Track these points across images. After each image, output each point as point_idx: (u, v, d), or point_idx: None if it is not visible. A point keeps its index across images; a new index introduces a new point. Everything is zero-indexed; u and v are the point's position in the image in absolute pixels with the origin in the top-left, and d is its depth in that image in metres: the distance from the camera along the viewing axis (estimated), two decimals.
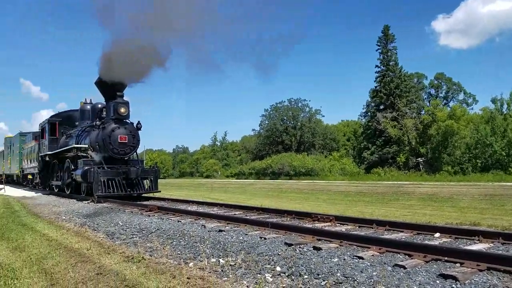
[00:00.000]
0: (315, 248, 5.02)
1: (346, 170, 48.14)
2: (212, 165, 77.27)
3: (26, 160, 23.87)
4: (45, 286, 4.09)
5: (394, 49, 48.51)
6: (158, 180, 14.89)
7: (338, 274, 4.00)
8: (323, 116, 69.34)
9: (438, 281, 3.63)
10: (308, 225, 7.09)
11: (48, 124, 18.31)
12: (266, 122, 69.42)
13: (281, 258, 4.66)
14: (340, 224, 7.20)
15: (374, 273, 3.90)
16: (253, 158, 68.13)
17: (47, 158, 18.41)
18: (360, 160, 49.96)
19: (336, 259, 4.48)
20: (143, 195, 14.36)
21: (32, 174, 22.59)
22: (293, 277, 4.07)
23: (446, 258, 4.27)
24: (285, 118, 67.42)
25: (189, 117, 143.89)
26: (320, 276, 4.02)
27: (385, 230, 6.48)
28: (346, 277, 3.90)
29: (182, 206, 11.06)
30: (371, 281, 3.72)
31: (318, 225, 7.13)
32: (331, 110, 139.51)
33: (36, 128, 23.10)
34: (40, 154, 19.51)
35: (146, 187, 14.17)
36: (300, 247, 5.11)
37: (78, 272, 4.58)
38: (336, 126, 71.78)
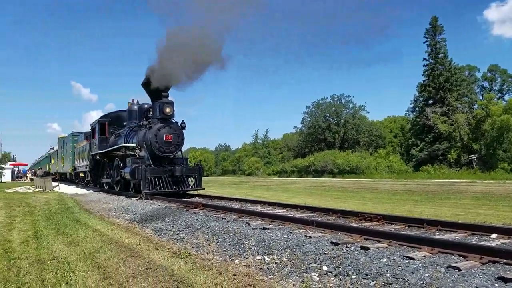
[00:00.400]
0: (362, 247, 4.88)
1: (393, 167, 46.67)
2: (254, 163, 77.65)
3: (78, 159, 24.99)
4: (98, 279, 4.26)
5: (443, 41, 46.28)
6: (202, 177, 15.17)
7: (388, 275, 3.87)
8: (368, 112, 67.42)
9: (497, 285, 3.41)
10: (355, 224, 6.91)
11: (98, 124, 19.12)
12: (308, 119, 68.69)
13: (327, 257, 4.58)
14: (389, 223, 6.97)
15: (426, 275, 3.73)
16: (295, 156, 67.74)
17: (98, 157, 19.26)
18: (408, 157, 48.22)
19: (385, 259, 4.34)
20: (188, 192, 14.67)
21: (84, 172, 23.62)
22: (340, 276, 3.98)
23: (505, 260, 4.00)
24: (327, 114, 66.37)
25: (234, 115, 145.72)
26: (368, 276, 3.91)
27: (437, 230, 6.19)
28: (396, 278, 3.77)
29: (226, 204, 11.18)
30: (423, 283, 3.56)
31: (365, 224, 6.94)
32: (376, 106, 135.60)
33: (86, 128, 24.27)
34: (91, 153, 20.41)
35: (191, 185, 14.46)
36: (347, 247, 4.98)
37: (128, 266, 4.73)
38: (382, 122, 69.59)
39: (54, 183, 23.84)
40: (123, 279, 4.24)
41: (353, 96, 75.41)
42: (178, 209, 10.00)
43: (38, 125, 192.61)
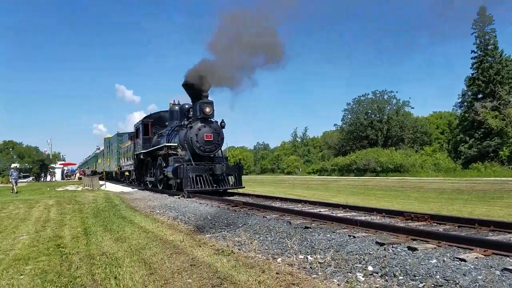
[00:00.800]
0: (410, 248, 4.73)
1: (440, 165, 44.75)
2: (293, 162, 77.29)
3: (123, 158, 25.87)
4: (145, 275, 4.38)
5: (493, 32, 43.77)
6: (242, 176, 15.27)
7: (438, 277, 3.74)
8: (413, 108, 64.91)
9: None
10: (401, 224, 6.68)
11: (141, 125, 19.74)
12: (349, 116, 67.32)
13: (372, 257, 4.47)
14: (437, 223, 6.68)
15: (479, 277, 3.56)
16: (336, 154, 66.69)
17: (142, 156, 19.89)
18: (456, 154, 46.09)
19: (434, 261, 4.19)
20: (228, 190, 14.81)
21: (129, 171, 24.41)
22: (386, 277, 3.88)
23: None
24: (369, 111, 64.72)
25: (273, 114, 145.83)
26: (417, 277, 3.79)
27: (490, 230, 5.86)
28: (447, 280, 3.63)
29: (266, 202, 11.17)
30: (475, 285, 3.41)
31: (412, 224, 6.69)
32: (421, 101, 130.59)
33: (130, 129, 25.10)
34: (135, 153, 21.11)
35: (231, 183, 14.60)
36: (393, 247, 4.84)
37: (173, 262, 4.83)
38: (427, 118, 66.99)
39: (101, 182, 24.83)
40: (169, 275, 4.33)
41: (396, 92, 72.83)
42: (219, 207, 10.11)
43: (85, 126, 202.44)
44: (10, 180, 22.78)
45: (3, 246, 6.56)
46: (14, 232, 8.00)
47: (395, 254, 4.55)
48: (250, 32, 10.32)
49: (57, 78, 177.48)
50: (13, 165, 27.00)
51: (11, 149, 56.07)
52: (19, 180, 27.77)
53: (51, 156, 58.26)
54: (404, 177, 38.39)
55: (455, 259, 4.18)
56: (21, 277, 4.56)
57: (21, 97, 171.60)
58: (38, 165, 51.13)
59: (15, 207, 12.97)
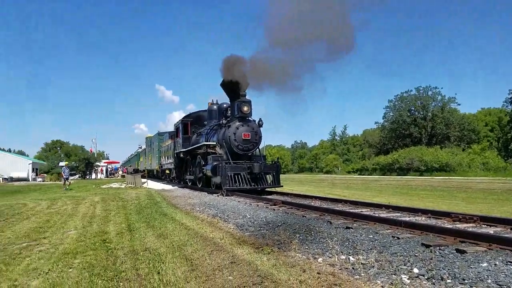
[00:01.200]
0: (458, 250, 4.55)
1: (490, 164, 42.67)
2: (332, 160, 76.30)
3: (164, 157, 26.56)
4: (187, 271, 4.45)
5: None
6: (280, 175, 15.21)
7: (489, 281, 3.57)
8: (459, 104, 62.11)
9: None
10: (448, 225, 6.40)
11: (181, 124, 20.16)
12: (391, 113, 65.51)
13: (418, 259, 4.32)
14: (487, 225, 6.36)
15: None
16: (377, 153, 65.13)
17: (181, 155, 20.32)
18: (507, 153, 43.78)
19: (485, 264, 4.02)
20: (266, 189, 14.81)
21: (169, 169, 25.07)
22: (433, 280, 3.75)
23: None
24: (412, 108, 62.64)
25: (312, 111, 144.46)
26: (466, 281, 3.63)
27: None
28: (500, 285, 3.47)
29: (305, 201, 11.06)
30: None
31: (460, 225, 6.39)
32: (468, 98, 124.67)
33: (170, 128, 25.69)
34: (175, 151, 21.60)
35: (269, 182, 14.58)
36: (440, 249, 4.67)
37: (214, 259, 4.87)
38: (475, 115, 63.98)
39: (143, 180, 25.60)
40: (210, 271, 4.37)
41: (441, 88, 70.00)
42: (258, 205, 10.12)
43: (127, 126, 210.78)
44: (63, 177, 24.16)
45: (53, 240, 6.87)
46: (63, 227, 8.37)
47: (442, 256, 4.38)
48: (314, 10, 8.75)
49: (101, 80, 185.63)
50: (65, 163, 28.54)
51: (58, 148, 59.01)
52: (70, 178, 29.28)
53: (96, 155, 60.82)
54: (450, 177, 36.85)
55: (508, 263, 3.99)
56: (70, 270, 4.76)
57: (68, 99, 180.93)
58: (84, 163, 53.53)
59: (63, 204, 13.59)
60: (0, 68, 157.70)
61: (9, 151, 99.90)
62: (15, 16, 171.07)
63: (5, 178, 44.72)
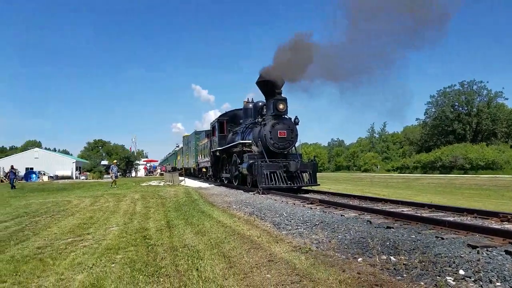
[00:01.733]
0: (507, 252, 4.30)
1: None
2: (371, 158, 74.64)
3: (200, 155, 26.91)
4: (225, 268, 4.48)
5: None
6: (316, 173, 15.01)
7: None
8: (506, 99, 59.11)
9: None
10: (496, 225, 6.06)
11: (217, 123, 20.35)
12: (433, 109, 63.16)
13: (464, 261, 4.13)
14: None
15: None
16: (418, 150, 63.04)
17: (217, 153, 20.53)
18: None
19: None
20: (303, 188, 14.67)
21: (206, 168, 25.34)
22: (481, 282, 3.57)
23: None
24: (456, 104, 60.11)
25: (349, 108, 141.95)
26: None
27: None
28: None
29: (343, 200, 10.86)
30: None
31: (509, 226, 6.05)
32: None
33: (206, 127, 26.03)
34: (211, 150, 21.84)
35: (305, 180, 14.41)
36: (487, 250, 4.43)
37: (251, 257, 4.87)
38: None
39: (180, 178, 26.08)
40: (247, 269, 4.38)
41: (487, 82, 66.53)
42: (294, 204, 10.04)
43: (165, 125, 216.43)
44: (111, 175, 25.16)
45: (96, 236, 7.13)
46: (106, 223, 8.65)
47: (490, 258, 4.16)
48: None
49: (140, 81, 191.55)
50: (113, 162, 29.72)
51: (100, 147, 61.24)
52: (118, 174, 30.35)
53: (135, 154, 62.72)
54: (497, 175, 35.05)
55: None
56: (113, 265, 4.90)
57: (108, 99, 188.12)
58: (124, 162, 55.31)
59: (106, 201, 14.10)
60: (46, 70, 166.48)
61: (54, 150, 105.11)
62: (64, 19, 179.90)
63: (50, 176, 47.02)
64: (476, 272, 3.79)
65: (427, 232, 5.61)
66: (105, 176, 48.55)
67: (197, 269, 4.44)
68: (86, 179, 45.97)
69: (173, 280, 4.15)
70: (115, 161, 34.06)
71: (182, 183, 23.46)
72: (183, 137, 37.51)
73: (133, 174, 58.80)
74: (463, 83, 59.79)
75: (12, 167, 29.96)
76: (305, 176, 14.52)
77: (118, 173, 53.31)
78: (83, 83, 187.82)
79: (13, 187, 26.74)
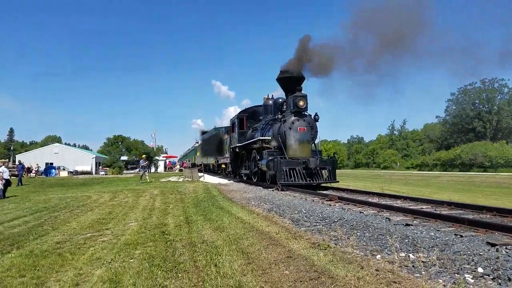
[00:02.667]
0: None
1: None
2: (390, 156, 73.67)
3: None
4: (243, 264, 4.54)
5: None
6: (336, 170, 14.96)
7: None
8: None
9: None
10: None
11: (237, 119, 20.45)
12: (453, 107, 62.06)
13: (483, 258, 4.13)
14: None
15: None
16: (438, 148, 62.00)
17: (237, 150, 20.63)
18: None
19: None
20: (322, 184, 14.65)
21: (225, 164, 25.51)
22: (500, 280, 3.57)
23: None
24: (477, 101, 58.86)
25: (368, 106, 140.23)
26: None
27: None
28: None
29: (362, 197, 10.81)
30: None
31: None
32: None
33: (226, 123, 26.09)
34: (231, 146, 21.97)
35: (325, 177, 14.39)
36: (507, 248, 4.42)
37: (270, 254, 4.92)
38: None
39: (199, 174, 26.25)
40: (266, 265, 4.43)
41: (508, 79, 64.92)
42: (313, 201, 10.07)
43: (185, 121, 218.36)
44: (139, 170, 25.13)
45: (115, 231, 7.23)
46: (124, 219, 8.78)
47: (509, 256, 4.15)
48: None
49: (160, 77, 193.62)
50: (143, 157, 29.95)
51: (120, 142, 62.01)
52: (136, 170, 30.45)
53: (155, 149, 63.38)
54: None
55: None
56: (131, 260, 4.99)
57: (129, 95, 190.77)
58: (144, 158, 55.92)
59: (125, 196, 14.30)
60: (68, 68, 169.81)
61: (74, 145, 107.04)
62: (94, 20, 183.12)
63: (71, 172, 47.90)
64: (495, 270, 3.79)
65: (446, 229, 5.59)
66: (124, 171, 49.20)
67: (215, 265, 4.50)
68: (105, 174, 46.70)
69: (191, 275, 4.21)
70: (144, 155, 34.21)
71: (201, 179, 23.62)
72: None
73: (153, 169, 59.46)
74: (484, 80, 58.47)
75: (20, 161, 28.53)
76: (325, 173, 14.49)
77: (137, 169, 54.21)
78: (104, 80, 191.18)
79: (20, 183, 24.04)
